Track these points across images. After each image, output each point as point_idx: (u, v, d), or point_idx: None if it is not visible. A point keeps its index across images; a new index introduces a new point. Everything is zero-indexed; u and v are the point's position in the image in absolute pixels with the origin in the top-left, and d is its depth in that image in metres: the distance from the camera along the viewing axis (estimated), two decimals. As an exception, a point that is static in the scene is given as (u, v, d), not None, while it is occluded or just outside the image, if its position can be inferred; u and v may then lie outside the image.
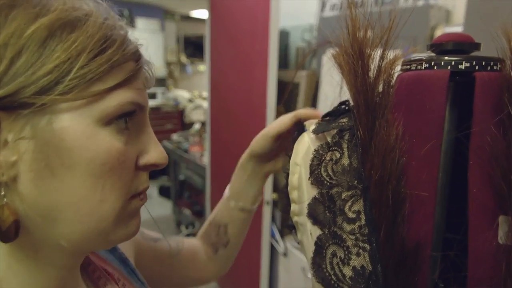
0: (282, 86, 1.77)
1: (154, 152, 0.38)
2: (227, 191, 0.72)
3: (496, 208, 0.34)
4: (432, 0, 1.33)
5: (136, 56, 0.37)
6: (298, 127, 0.55)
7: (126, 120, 0.35)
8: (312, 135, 0.48)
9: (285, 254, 1.82)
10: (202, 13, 2.10)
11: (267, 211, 1.70)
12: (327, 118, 0.48)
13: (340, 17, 0.44)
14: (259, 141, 0.65)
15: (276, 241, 1.84)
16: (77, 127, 0.32)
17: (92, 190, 0.34)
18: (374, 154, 0.38)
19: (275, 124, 0.63)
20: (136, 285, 0.51)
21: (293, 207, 0.49)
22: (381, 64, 0.41)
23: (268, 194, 1.67)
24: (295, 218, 0.49)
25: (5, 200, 0.32)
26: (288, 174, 0.50)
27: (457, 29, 1.20)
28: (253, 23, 1.64)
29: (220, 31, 1.95)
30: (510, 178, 0.33)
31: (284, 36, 1.89)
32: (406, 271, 0.36)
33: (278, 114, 1.67)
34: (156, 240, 0.65)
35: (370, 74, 0.41)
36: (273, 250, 1.86)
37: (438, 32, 1.25)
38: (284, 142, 0.66)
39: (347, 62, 0.43)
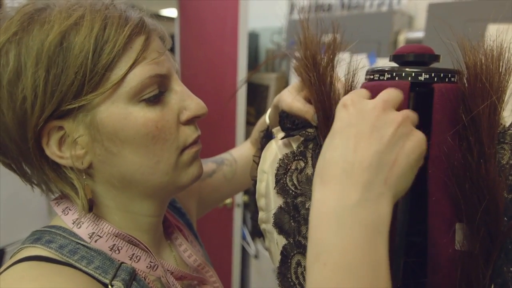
0: (253, 87, 1.77)
1: (192, 105, 0.43)
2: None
3: (453, 216, 0.35)
4: (395, 5, 1.38)
5: (141, 28, 0.40)
6: (265, 134, 0.55)
7: (154, 95, 0.40)
8: (280, 143, 0.48)
9: (256, 256, 1.82)
10: (171, 12, 2.06)
11: (238, 214, 1.69)
12: (295, 122, 0.48)
13: (300, 21, 0.44)
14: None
15: (247, 243, 1.84)
16: (113, 113, 0.38)
17: (146, 157, 0.41)
18: None
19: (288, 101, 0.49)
20: (199, 247, 0.59)
21: (261, 214, 0.49)
22: (333, 74, 0.41)
23: (239, 196, 1.66)
24: (262, 226, 0.49)
25: (86, 183, 0.41)
26: (255, 181, 0.50)
27: (419, 34, 1.24)
28: (222, 24, 1.63)
29: (189, 31, 1.92)
30: (465, 187, 0.34)
31: (253, 38, 1.89)
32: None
33: (248, 115, 1.67)
34: (212, 174, 0.68)
35: (326, 83, 0.41)
36: (244, 252, 1.85)
37: (401, 37, 1.29)
38: None
39: (303, 72, 0.44)
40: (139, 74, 0.38)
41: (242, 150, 0.73)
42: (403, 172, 0.30)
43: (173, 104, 0.42)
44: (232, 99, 1.62)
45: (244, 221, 1.82)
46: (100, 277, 0.38)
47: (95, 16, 0.37)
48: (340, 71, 0.45)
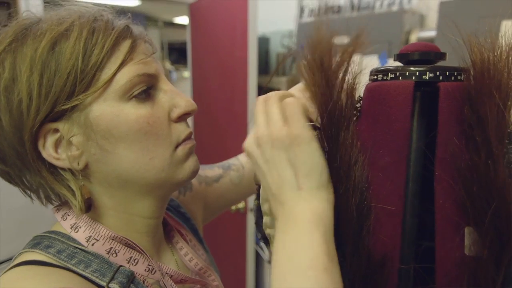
0: (263, 91, 1.76)
1: (181, 103, 0.45)
2: None
3: (461, 219, 0.34)
4: (406, 4, 1.35)
5: (127, 33, 0.42)
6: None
7: (143, 90, 0.41)
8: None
9: (270, 262, 1.80)
10: (184, 20, 2.08)
11: (251, 219, 1.69)
12: None
13: (312, 24, 0.44)
14: None
15: (261, 248, 1.82)
16: (105, 111, 0.40)
17: (140, 153, 0.42)
18: (339, 167, 0.37)
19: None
20: (202, 251, 0.59)
21: (265, 219, 0.48)
22: (344, 75, 0.40)
23: (252, 201, 1.66)
24: (267, 230, 0.48)
25: (82, 183, 0.42)
26: (259, 186, 0.49)
27: (431, 33, 1.22)
28: (232, 29, 1.64)
29: (200, 37, 1.94)
30: (472, 190, 0.32)
31: (264, 42, 1.89)
32: (374, 284, 0.35)
33: (260, 120, 1.66)
34: (218, 179, 0.69)
35: (332, 84, 0.40)
36: (258, 257, 1.84)
37: (413, 37, 1.27)
38: None
39: (309, 73, 0.43)
40: (127, 73, 0.40)
41: None
42: (308, 171, 0.35)
43: (163, 102, 0.44)
44: (242, 103, 1.62)
45: (257, 226, 1.81)
46: (97, 280, 0.39)
47: (83, 23, 0.40)
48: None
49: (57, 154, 0.41)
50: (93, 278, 0.39)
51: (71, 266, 0.39)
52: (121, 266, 0.42)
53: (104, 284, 0.39)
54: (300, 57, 0.43)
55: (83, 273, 0.39)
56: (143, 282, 0.43)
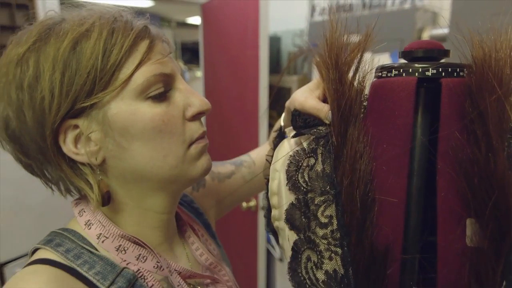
0: (276, 91, 1.78)
1: (196, 102, 0.46)
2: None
3: (463, 211, 0.35)
4: (418, 2, 1.35)
5: (145, 33, 0.43)
6: (279, 134, 0.56)
7: (161, 93, 0.43)
8: (292, 141, 0.49)
9: (281, 260, 1.82)
10: (197, 20, 2.11)
11: (262, 217, 1.70)
12: (307, 120, 0.49)
13: (325, 22, 0.45)
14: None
15: (272, 246, 1.84)
16: (123, 109, 0.41)
17: (155, 150, 0.43)
18: (346, 160, 0.39)
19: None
20: (214, 246, 0.61)
21: (273, 212, 0.50)
22: (355, 73, 0.41)
23: (263, 200, 1.67)
24: (275, 223, 0.50)
25: (100, 177, 0.44)
26: (268, 180, 0.51)
27: (444, 31, 1.21)
28: (243, 29, 1.65)
29: (212, 37, 1.96)
30: (474, 183, 0.33)
31: (275, 41, 1.91)
32: (376, 274, 0.36)
33: (271, 119, 1.68)
34: (230, 175, 0.70)
35: (345, 82, 0.42)
36: (269, 256, 1.86)
37: (425, 34, 1.27)
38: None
39: (324, 70, 0.44)
40: (145, 73, 0.41)
41: (261, 152, 0.74)
42: None
43: (178, 101, 0.45)
44: (254, 101, 1.64)
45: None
46: (98, 284, 0.40)
47: (103, 24, 0.41)
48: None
49: (76, 149, 0.42)
50: (95, 281, 0.40)
51: (75, 266, 0.41)
52: (125, 268, 0.43)
53: None
54: (315, 54, 0.45)
55: (86, 274, 0.40)
56: (147, 284, 0.44)
